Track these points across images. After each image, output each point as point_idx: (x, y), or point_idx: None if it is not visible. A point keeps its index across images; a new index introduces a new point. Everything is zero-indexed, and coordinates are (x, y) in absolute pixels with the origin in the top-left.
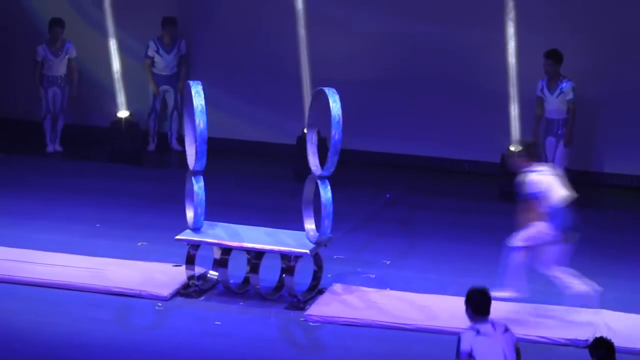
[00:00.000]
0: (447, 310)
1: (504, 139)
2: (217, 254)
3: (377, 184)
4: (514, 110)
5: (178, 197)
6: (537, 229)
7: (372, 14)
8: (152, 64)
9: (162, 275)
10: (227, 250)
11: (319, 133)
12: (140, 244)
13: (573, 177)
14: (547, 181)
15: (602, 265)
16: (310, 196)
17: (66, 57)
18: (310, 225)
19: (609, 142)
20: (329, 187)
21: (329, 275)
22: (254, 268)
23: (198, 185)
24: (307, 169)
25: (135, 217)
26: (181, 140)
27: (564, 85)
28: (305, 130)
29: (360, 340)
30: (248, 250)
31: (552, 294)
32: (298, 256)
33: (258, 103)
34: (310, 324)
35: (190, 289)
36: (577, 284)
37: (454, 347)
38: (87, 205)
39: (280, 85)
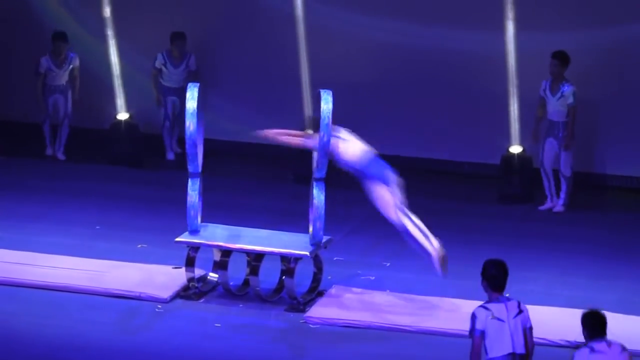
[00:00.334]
0: (447, 312)
1: (503, 141)
2: (217, 256)
3: None
4: (514, 112)
5: (178, 200)
6: (379, 195)
7: (372, 17)
8: (160, 74)
9: (162, 278)
10: (227, 252)
11: None
12: (140, 246)
13: (575, 179)
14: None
15: (603, 267)
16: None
17: (70, 67)
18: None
19: (611, 143)
20: (323, 189)
21: (329, 277)
22: (254, 270)
23: (192, 188)
24: (307, 171)
25: (135, 220)
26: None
27: (565, 89)
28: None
29: (360, 342)
30: (248, 252)
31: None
32: (298, 258)
33: (258, 105)
34: (310, 325)
35: (190, 291)
36: (423, 239)
37: (454, 348)
38: (87, 208)
39: (279, 87)
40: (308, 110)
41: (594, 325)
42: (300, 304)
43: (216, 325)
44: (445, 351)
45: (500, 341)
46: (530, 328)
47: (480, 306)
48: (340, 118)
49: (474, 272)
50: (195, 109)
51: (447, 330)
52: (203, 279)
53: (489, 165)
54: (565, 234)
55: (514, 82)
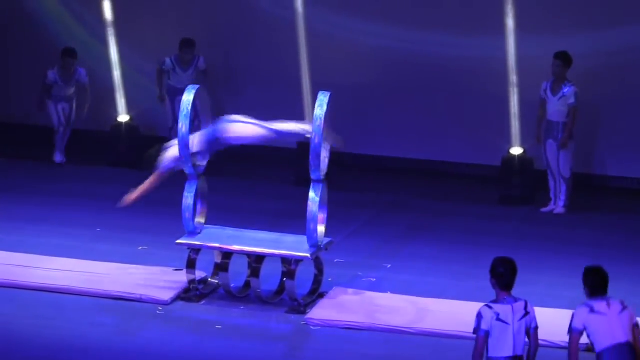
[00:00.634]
0: (447, 313)
1: (504, 143)
2: (218, 258)
3: (378, 188)
4: (515, 113)
5: (179, 202)
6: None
7: (374, 19)
8: (168, 75)
9: (163, 280)
10: (227, 254)
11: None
12: (141, 248)
13: (576, 181)
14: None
15: (604, 269)
16: (323, 200)
17: (76, 81)
18: (321, 230)
19: (612, 144)
20: (319, 191)
21: (330, 279)
22: (255, 272)
23: (188, 190)
24: (308, 173)
25: (136, 222)
26: None
27: (566, 90)
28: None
29: (361, 344)
30: (249, 254)
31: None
32: (299, 260)
33: (259, 107)
34: (311, 327)
35: (191, 293)
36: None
37: (455, 350)
38: (88, 210)
39: (280, 89)
40: (309, 113)
41: (595, 283)
42: (301, 306)
43: (217, 327)
44: (446, 353)
45: (503, 343)
46: (536, 328)
47: (486, 305)
48: (343, 120)
49: (474, 273)
50: (189, 111)
51: (448, 332)
52: (204, 281)
53: (490, 167)
54: (566, 236)
55: (515, 84)
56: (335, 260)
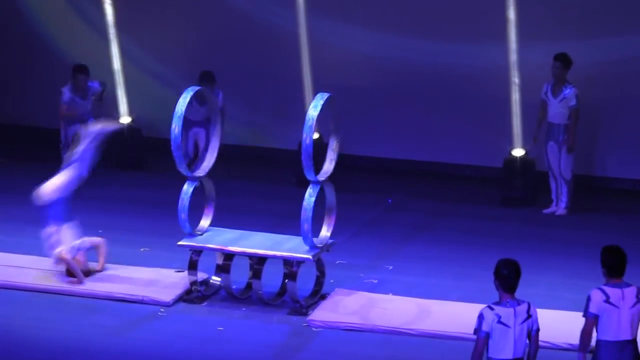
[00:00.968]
0: (449, 315)
1: (506, 144)
2: (219, 260)
3: (380, 189)
4: (516, 115)
5: None
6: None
7: (376, 23)
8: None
9: (164, 281)
10: (229, 256)
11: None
12: (142, 249)
13: (577, 182)
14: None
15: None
16: (329, 203)
17: (93, 96)
18: (324, 231)
19: (612, 146)
20: (316, 192)
21: (332, 281)
22: (257, 273)
23: (184, 191)
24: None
25: (137, 223)
26: None
27: (567, 92)
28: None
29: (362, 346)
30: (250, 256)
31: (552, 297)
32: (300, 261)
33: (260, 109)
34: (313, 329)
35: (193, 295)
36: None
37: (456, 351)
38: (90, 212)
39: (282, 91)
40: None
41: (613, 263)
42: (302, 308)
43: (219, 328)
44: (447, 354)
45: (503, 346)
46: (537, 330)
47: (488, 306)
48: (348, 122)
49: (476, 274)
50: (183, 112)
51: (450, 333)
52: (206, 282)
53: (492, 169)
54: (568, 237)
55: (516, 87)
56: (337, 262)
